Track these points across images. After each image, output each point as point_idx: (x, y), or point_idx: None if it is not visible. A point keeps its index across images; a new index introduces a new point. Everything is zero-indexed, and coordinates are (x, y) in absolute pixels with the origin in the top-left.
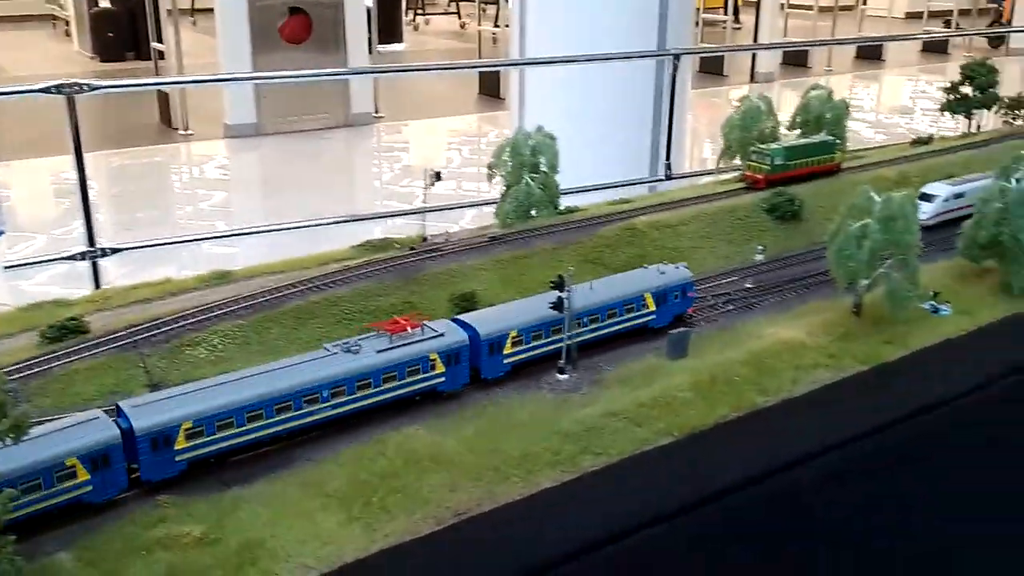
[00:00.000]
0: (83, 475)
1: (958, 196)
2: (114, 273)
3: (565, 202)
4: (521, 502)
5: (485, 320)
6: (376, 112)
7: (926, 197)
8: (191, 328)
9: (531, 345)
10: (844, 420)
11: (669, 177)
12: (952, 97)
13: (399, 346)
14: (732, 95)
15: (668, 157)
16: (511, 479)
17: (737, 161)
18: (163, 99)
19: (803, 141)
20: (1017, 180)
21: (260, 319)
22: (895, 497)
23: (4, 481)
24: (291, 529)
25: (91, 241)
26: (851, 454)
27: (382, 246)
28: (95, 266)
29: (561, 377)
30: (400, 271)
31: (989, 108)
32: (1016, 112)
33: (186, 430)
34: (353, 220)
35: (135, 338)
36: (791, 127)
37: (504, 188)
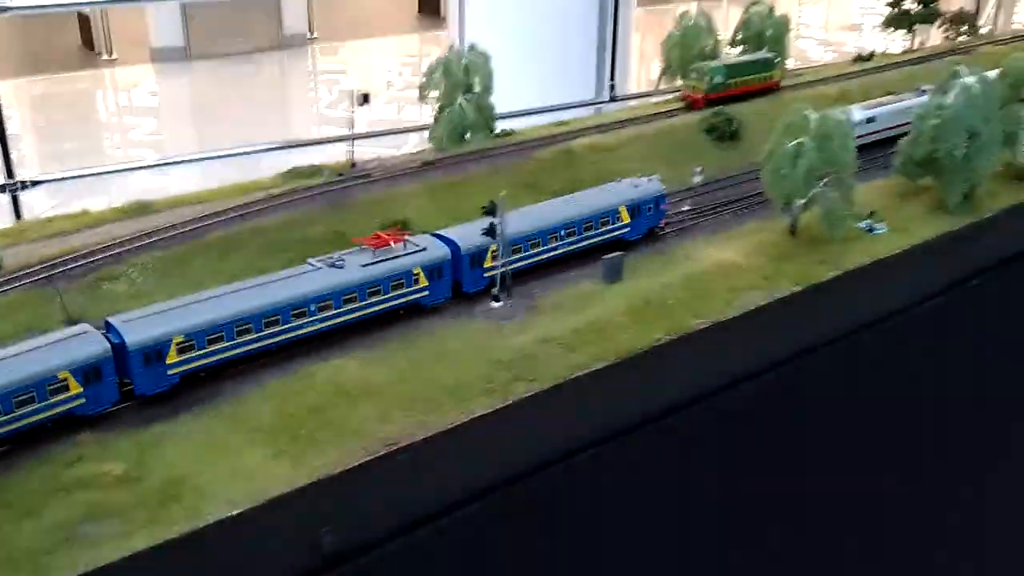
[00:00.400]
0: (75, 388)
1: (870, 120)
2: (42, 207)
3: (507, 125)
4: (454, 430)
5: (466, 235)
6: (311, 33)
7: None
8: (109, 261)
9: (511, 259)
10: (776, 342)
11: (614, 99)
12: (895, 12)
13: (383, 260)
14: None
15: (612, 78)
16: (444, 408)
17: (679, 80)
18: (84, 21)
19: (742, 59)
20: (953, 97)
21: (182, 251)
22: (828, 415)
23: None
24: (216, 465)
25: (10, 173)
26: (783, 376)
27: (310, 173)
28: (15, 199)
29: (495, 305)
30: (329, 198)
31: (931, 23)
32: (957, 28)
33: (177, 344)
34: (285, 148)
35: (51, 273)
36: (732, 44)
37: (437, 110)
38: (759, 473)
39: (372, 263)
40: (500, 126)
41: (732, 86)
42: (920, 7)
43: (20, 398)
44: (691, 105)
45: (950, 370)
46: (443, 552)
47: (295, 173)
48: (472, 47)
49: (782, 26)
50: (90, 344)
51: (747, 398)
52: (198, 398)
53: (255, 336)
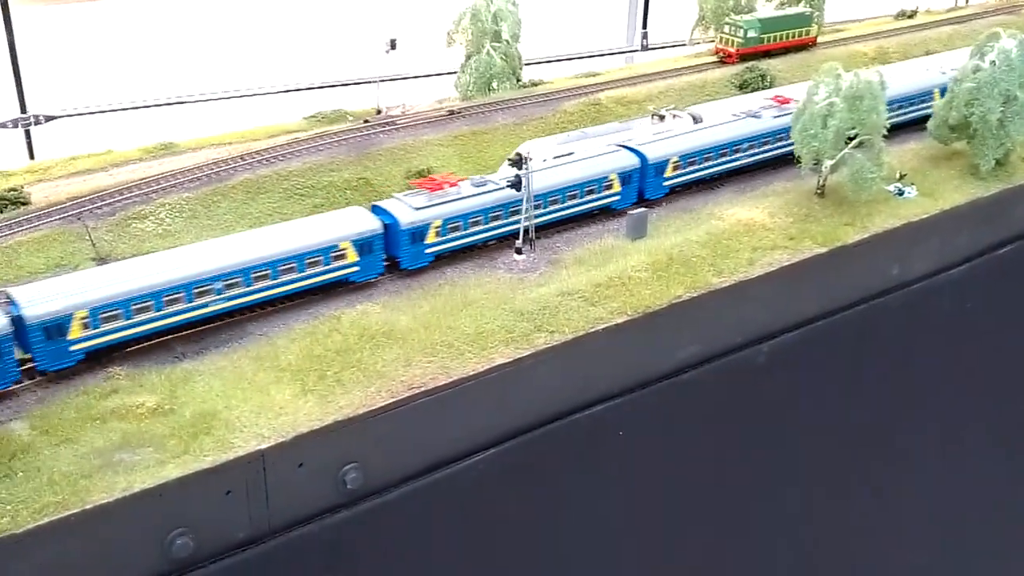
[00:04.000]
0: (352, 257)
1: (557, 158)
2: (50, 139)
3: (536, 73)
4: (474, 377)
5: (652, 146)
6: None
7: (516, 162)
8: (137, 200)
9: (688, 170)
10: (799, 303)
11: (646, 48)
12: None
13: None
14: None
15: (645, 25)
16: (465, 355)
17: (712, 32)
18: None
19: (778, 13)
20: (990, 60)
21: (208, 193)
22: (847, 378)
23: None
24: (245, 400)
25: (23, 107)
26: (807, 335)
27: (334, 118)
28: (28, 134)
29: (518, 257)
30: (353, 145)
31: None
32: None
33: (436, 227)
34: (304, 89)
35: (80, 210)
36: None
37: (464, 58)
38: (773, 431)
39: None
40: (528, 74)
41: (767, 41)
42: None
43: (311, 260)
44: (724, 59)
45: (975, 336)
46: (459, 495)
47: (320, 117)
48: None
49: None
50: (365, 221)
51: (767, 356)
52: (225, 337)
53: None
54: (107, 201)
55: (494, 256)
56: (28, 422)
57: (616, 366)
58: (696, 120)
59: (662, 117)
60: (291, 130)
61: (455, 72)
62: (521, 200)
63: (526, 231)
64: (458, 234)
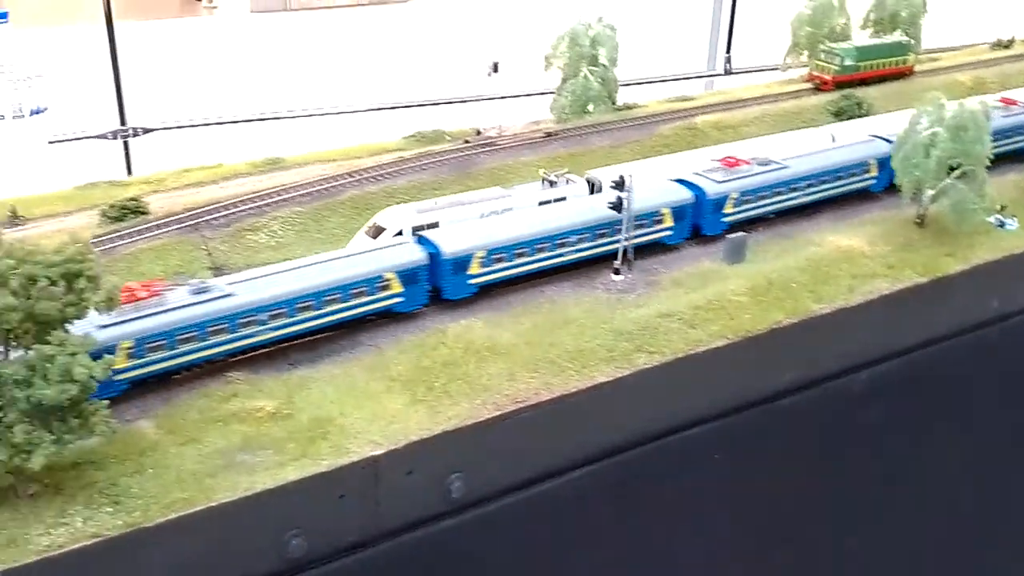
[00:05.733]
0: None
1: (418, 229)
2: (142, 151)
3: (624, 94)
4: (576, 394)
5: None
6: None
7: (379, 229)
8: (251, 213)
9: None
10: (899, 331)
11: (729, 72)
12: None
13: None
14: None
15: (728, 50)
16: (567, 372)
17: (804, 58)
18: None
19: (876, 42)
20: None
21: (319, 207)
22: (946, 410)
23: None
24: (359, 408)
25: (123, 119)
26: (905, 365)
27: (433, 138)
28: (126, 145)
29: (616, 277)
30: (455, 164)
31: None
32: None
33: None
34: (393, 108)
35: (196, 221)
36: (864, 25)
37: (560, 80)
38: (868, 460)
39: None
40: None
41: (863, 69)
42: None
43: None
44: (819, 86)
45: None
46: (558, 508)
47: (419, 136)
48: (600, 19)
49: (918, 8)
50: (409, 252)
51: (864, 385)
52: (338, 347)
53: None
54: (221, 213)
55: (592, 275)
56: (154, 421)
57: (714, 389)
58: (593, 186)
59: (552, 183)
60: (391, 149)
61: (547, 92)
62: (619, 221)
63: (624, 252)
64: (503, 265)
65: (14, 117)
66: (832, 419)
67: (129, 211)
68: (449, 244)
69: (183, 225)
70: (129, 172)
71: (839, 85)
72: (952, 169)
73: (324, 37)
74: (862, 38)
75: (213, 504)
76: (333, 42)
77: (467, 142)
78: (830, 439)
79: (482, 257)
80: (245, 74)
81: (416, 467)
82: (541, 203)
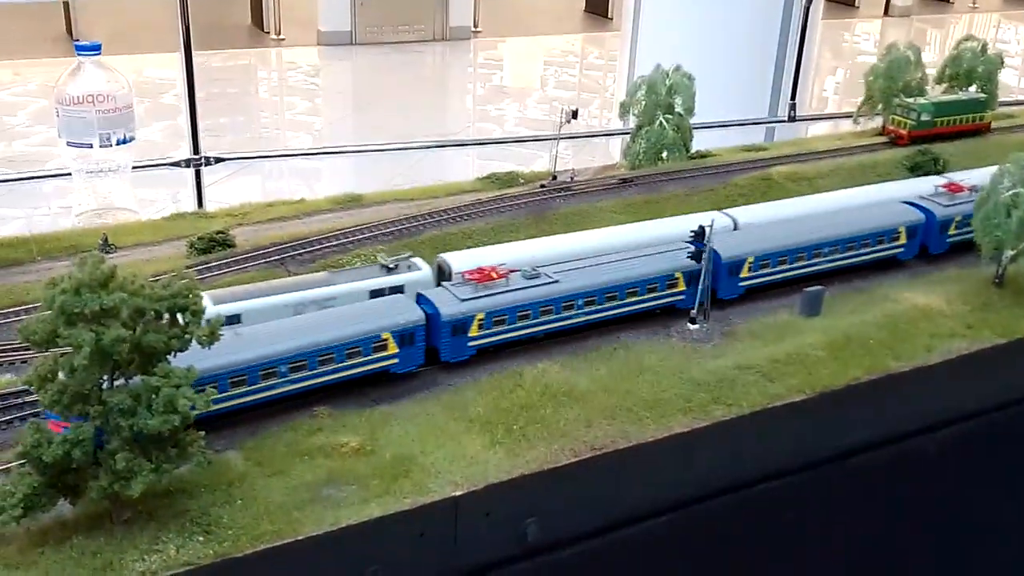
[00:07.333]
0: (392, 349)
1: (231, 320)
2: (207, 179)
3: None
4: (656, 443)
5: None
6: (475, 26)
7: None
8: (334, 249)
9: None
10: (979, 392)
11: (793, 119)
12: None
13: None
14: (860, 29)
15: (793, 97)
16: (644, 420)
17: (877, 112)
18: (255, 1)
19: (952, 97)
20: None
21: (400, 246)
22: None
23: None
24: (439, 447)
25: (195, 148)
26: (985, 426)
27: (508, 180)
28: (198, 174)
29: (692, 327)
30: (532, 208)
31: None
32: None
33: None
34: (462, 144)
35: (282, 256)
36: (939, 80)
37: (635, 127)
38: (941, 522)
39: None
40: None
41: (940, 125)
42: None
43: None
44: (895, 140)
45: None
46: (629, 557)
47: (494, 178)
48: (678, 67)
49: (995, 65)
50: (407, 311)
51: (939, 445)
52: (416, 385)
53: None
54: (307, 248)
55: (667, 323)
56: (243, 453)
57: (790, 443)
58: (444, 271)
59: (390, 268)
60: (467, 189)
61: (616, 133)
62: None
63: (702, 302)
64: (503, 327)
65: (101, 146)
66: (908, 479)
67: (217, 243)
68: (448, 306)
69: (270, 259)
70: (199, 200)
71: (915, 140)
72: None
73: (387, 71)
74: (938, 94)
75: (300, 537)
76: (396, 76)
77: (543, 186)
78: (904, 499)
79: (482, 319)
80: (305, 103)
81: (493, 509)
82: (373, 293)
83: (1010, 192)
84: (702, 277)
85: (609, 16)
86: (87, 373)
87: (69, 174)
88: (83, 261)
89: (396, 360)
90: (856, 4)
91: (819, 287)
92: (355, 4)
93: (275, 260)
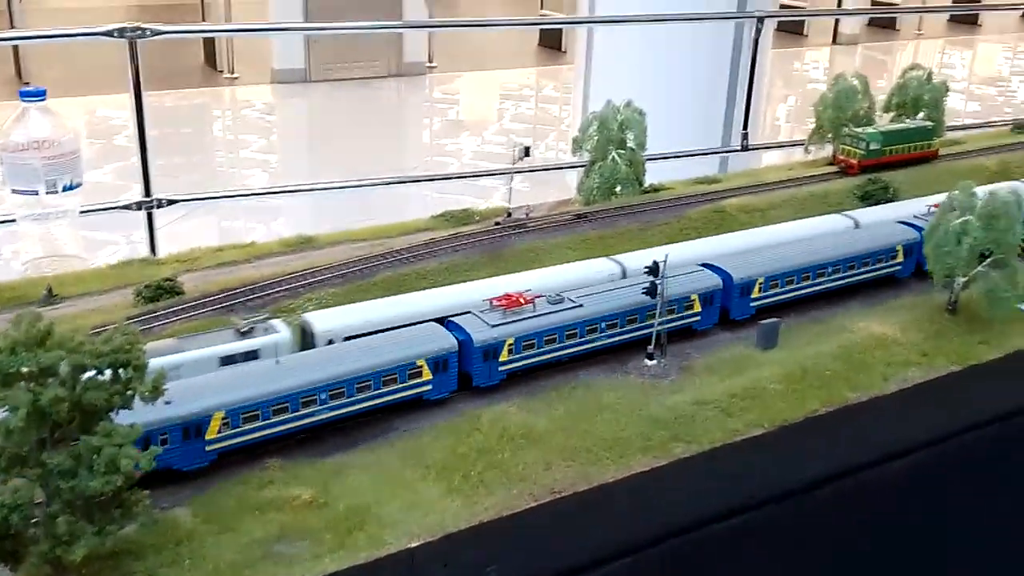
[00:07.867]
0: (427, 375)
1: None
2: (160, 221)
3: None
4: (616, 484)
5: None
6: (430, 62)
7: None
8: (285, 294)
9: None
10: (935, 420)
11: (746, 148)
12: None
13: None
14: (810, 57)
15: (745, 127)
16: (603, 461)
17: (829, 140)
18: (208, 41)
19: (900, 126)
20: None
21: (353, 288)
22: (985, 499)
23: None
24: (395, 497)
25: (147, 191)
26: (941, 454)
27: (462, 218)
28: (150, 217)
29: (649, 363)
30: (486, 246)
31: None
32: None
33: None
34: (417, 180)
35: (232, 302)
36: (886, 109)
37: (589, 162)
38: (902, 553)
39: None
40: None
41: (889, 153)
42: None
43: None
44: (845, 170)
45: None
46: None
47: (448, 216)
48: (629, 103)
49: (940, 93)
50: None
51: (898, 475)
52: (372, 432)
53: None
54: (257, 294)
55: (624, 360)
56: (190, 509)
57: (749, 479)
58: (307, 333)
59: (244, 333)
60: (421, 228)
61: (571, 167)
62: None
63: (658, 337)
64: (532, 352)
65: (48, 192)
66: (869, 510)
67: (164, 291)
68: (479, 332)
69: (218, 307)
70: (152, 244)
71: (864, 169)
72: (984, 256)
73: (343, 108)
74: (886, 123)
75: None
76: (352, 113)
77: (498, 223)
78: (867, 531)
79: (512, 344)
80: (260, 142)
81: (451, 559)
82: (224, 359)
83: (959, 220)
84: (657, 312)
85: (563, 50)
86: (24, 435)
87: (14, 220)
88: (19, 319)
89: (430, 387)
90: (805, 32)
91: (774, 319)
92: (308, 42)
93: (224, 307)
